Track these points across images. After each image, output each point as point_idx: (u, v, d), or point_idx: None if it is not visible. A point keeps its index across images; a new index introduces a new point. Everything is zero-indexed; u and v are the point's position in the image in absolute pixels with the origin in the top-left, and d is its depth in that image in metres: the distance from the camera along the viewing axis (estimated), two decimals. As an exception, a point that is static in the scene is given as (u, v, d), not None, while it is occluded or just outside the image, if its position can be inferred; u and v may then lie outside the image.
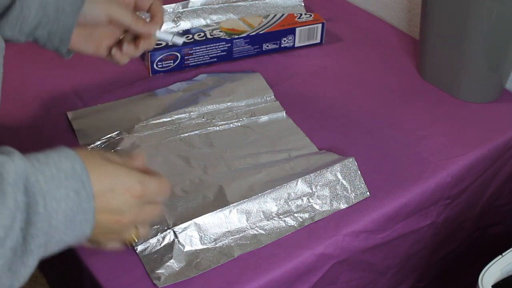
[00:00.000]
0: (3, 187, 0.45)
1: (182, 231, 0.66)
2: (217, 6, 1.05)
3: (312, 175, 0.72)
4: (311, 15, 1.05)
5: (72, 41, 0.69)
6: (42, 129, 0.84)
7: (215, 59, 0.99)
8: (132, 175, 0.54)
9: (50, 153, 0.50)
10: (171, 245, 0.66)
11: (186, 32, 0.99)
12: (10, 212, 0.44)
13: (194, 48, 0.96)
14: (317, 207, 0.72)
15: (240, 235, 0.68)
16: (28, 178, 0.46)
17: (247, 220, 0.69)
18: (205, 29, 1.00)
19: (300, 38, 1.03)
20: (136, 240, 0.64)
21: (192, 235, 0.67)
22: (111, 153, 0.58)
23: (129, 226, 0.56)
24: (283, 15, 1.04)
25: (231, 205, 0.69)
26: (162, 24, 0.73)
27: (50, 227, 0.47)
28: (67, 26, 0.67)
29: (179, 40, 0.75)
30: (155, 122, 0.83)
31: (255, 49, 1.01)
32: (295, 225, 0.70)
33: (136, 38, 0.72)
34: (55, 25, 0.66)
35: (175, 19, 1.02)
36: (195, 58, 0.97)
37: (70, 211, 0.48)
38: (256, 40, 1.00)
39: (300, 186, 0.72)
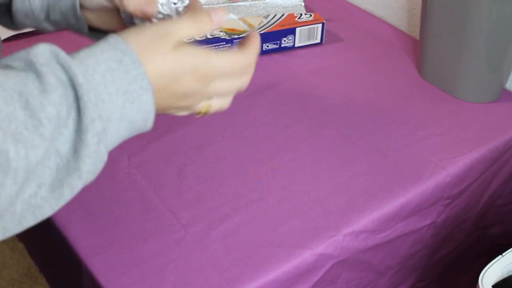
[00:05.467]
0: (36, 68, 0.42)
1: None
2: (217, 6, 1.05)
3: None
4: (311, 15, 1.05)
5: (92, 18, 0.63)
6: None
7: (215, 59, 0.99)
8: (196, 56, 0.50)
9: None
10: None
11: (186, 32, 0.99)
12: (55, 89, 0.42)
13: (194, 48, 0.96)
14: None
15: None
16: (58, 55, 0.43)
17: None
18: (205, 29, 1.00)
19: (300, 38, 1.03)
20: (209, 113, 0.57)
21: None
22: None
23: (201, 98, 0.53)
24: (283, 15, 1.04)
25: None
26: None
27: (101, 101, 0.44)
28: (70, 3, 0.62)
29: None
30: None
31: (255, 49, 1.01)
32: None
33: None
34: (62, 4, 0.62)
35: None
36: (195, 58, 0.97)
37: (120, 82, 0.45)
38: (256, 40, 1.00)
39: None
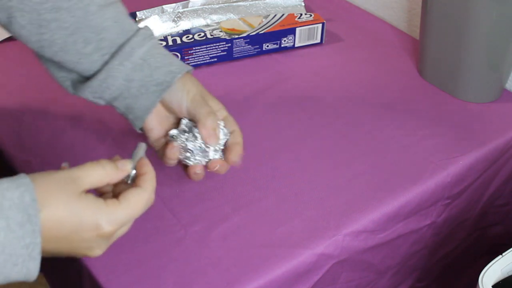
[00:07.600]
0: None
1: None
2: (217, 6, 1.05)
3: None
4: (311, 15, 1.05)
5: (147, 119, 0.67)
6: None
7: (215, 59, 0.99)
8: (99, 213, 0.51)
9: (2, 180, 0.46)
10: None
11: (186, 32, 0.99)
12: None
13: (194, 48, 0.96)
14: None
15: None
16: None
17: None
18: (205, 29, 1.00)
19: (300, 38, 1.03)
20: None
21: None
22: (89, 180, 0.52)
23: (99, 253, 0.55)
24: (283, 15, 1.04)
25: None
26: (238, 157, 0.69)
27: None
28: (145, 106, 0.65)
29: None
30: None
31: (255, 49, 1.01)
32: None
33: None
34: (134, 101, 0.64)
35: (175, 19, 1.02)
36: (195, 58, 0.97)
37: (11, 245, 0.44)
38: (256, 40, 1.00)
39: None
